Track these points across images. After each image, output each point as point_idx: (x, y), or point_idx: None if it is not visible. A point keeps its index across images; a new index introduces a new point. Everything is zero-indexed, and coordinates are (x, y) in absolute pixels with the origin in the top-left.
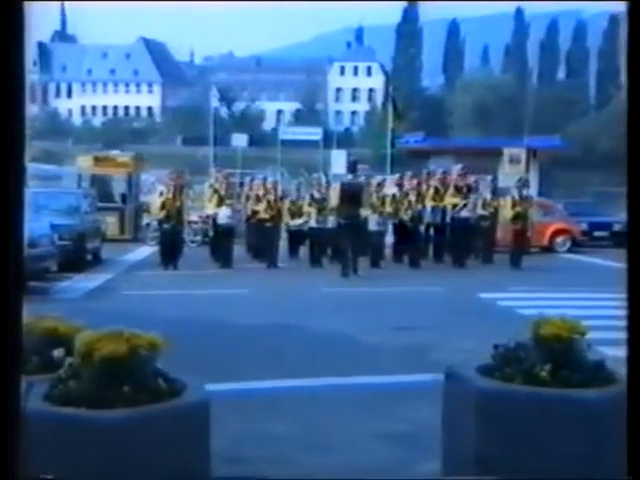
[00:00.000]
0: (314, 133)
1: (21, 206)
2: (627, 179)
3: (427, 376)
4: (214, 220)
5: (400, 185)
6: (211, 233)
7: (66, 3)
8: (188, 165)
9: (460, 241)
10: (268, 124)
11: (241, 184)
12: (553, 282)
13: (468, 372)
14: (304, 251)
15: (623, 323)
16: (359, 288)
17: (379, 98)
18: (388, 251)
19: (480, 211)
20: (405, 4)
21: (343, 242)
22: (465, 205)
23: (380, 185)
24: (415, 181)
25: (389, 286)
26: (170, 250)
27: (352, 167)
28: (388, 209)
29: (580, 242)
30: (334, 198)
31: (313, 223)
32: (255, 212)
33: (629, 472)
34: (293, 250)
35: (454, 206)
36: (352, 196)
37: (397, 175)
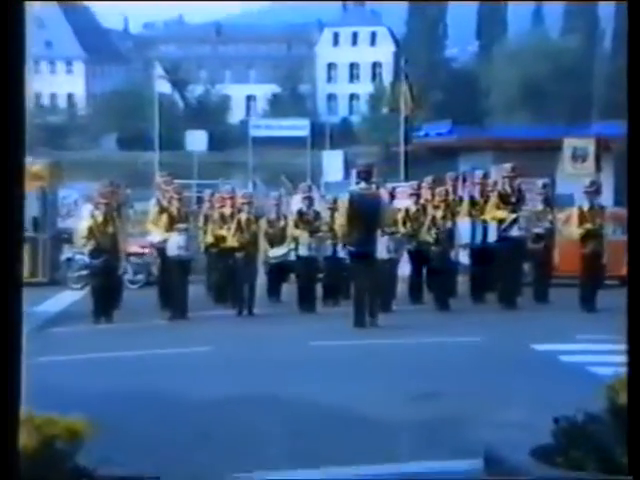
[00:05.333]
0: (298, 127)
1: (21, 211)
2: (628, 179)
3: (460, 463)
4: (162, 251)
5: (418, 195)
6: (158, 269)
7: None
8: (126, 176)
9: (509, 271)
10: (234, 115)
11: (199, 200)
12: None
13: (518, 456)
14: (289, 290)
15: None
16: (366, 340)
17: (387, 76)
18: (403, 287)
19: (536, 229)
20: None
21: (355, 278)
22: (516, 220)
23: (391, 195)
24: (441, 190)
25: (406, 336)
26: (102, 296)
27: (366, 173)
28: (402, 229)
29: None
30: (340, 217)
31: (303, 251)
32: (219, 238)
33: (629, 472)
34: (274, 290)
35: (499, 222)
36: (367, 214)
37: (414, 182)
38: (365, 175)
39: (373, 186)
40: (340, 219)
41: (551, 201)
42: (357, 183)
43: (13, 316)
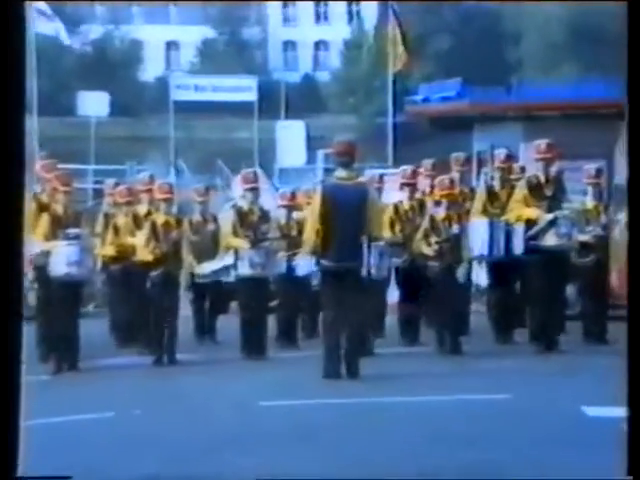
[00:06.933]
0: (241, 88)
1: (21, 212)
2: (628, 179)
3: None
4: (42, 269)
5: (412, 186)
6: (36, 296)
7: None
8: None
9: (545, 297)
10: (149, 70)
11: (96, 192)
12: None
13: None
14: (229, 326)
15: None
16: (341, 399)
17: (370, 16)
18: (391, 319)
19: (583, 235)
20: None
21: (327, 307)
22: (553, 222)
23: (377, 187)
24: (444, 178)
25: (399, 392)
26: None
27: (346, 155)
28: (389, 234)
29: None
30: (312, 217)
31: (244, 269)
32: (125, 250)
33: (629, 472)
34: (205, 325)
35: (529, 224)
36: (349, 214)
37: (407, 167)
38: (345, 158)
39: (355, 174)
40: (311, 220)
41: (607, 195)
42: (326, 170)
43: (14, 319)
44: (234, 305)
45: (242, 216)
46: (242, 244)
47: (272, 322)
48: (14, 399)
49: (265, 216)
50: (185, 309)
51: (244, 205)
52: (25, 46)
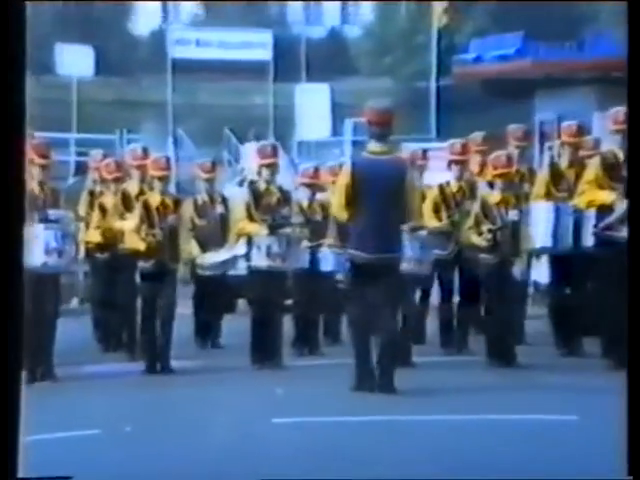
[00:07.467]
0: (253, 44)
1: (22, 211)
2: (627, 180)
3: None
4: None
5: (463, 162)
6: None
7: None
8: None
9: (618, 299)
10: (142, 23)
11: (78, 167)
12: None
13: None
14: (236, 327)
15: None
16: (368, 417)
17: None
18: (431, 324)
19: None
20: None
21: (358, 307)
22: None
23: (419, 164)
24: (500, 155)
25: (442, 410)
26: None
27: (381, 125)
28: (433, 221)
29: None
30: (338, 198)
31: (259, 260)
32: (113, 235)
33: (629, 472)
34: (208, 327)
35: (601, 210)
36: (384, 194)
37: (455, 141)
38: (379, 128)
39: (392, 147)
40: (336, 201)
41: None
42: (355, 143)
43: (14, 319)
44: (242, 303)
45: (258, 197)
46: (259, 230)
47: (289, 324)
48: (14, 399)
49: (285, 197)
50: (184, 307)
51: (260, 184)
52: (25, 47)
